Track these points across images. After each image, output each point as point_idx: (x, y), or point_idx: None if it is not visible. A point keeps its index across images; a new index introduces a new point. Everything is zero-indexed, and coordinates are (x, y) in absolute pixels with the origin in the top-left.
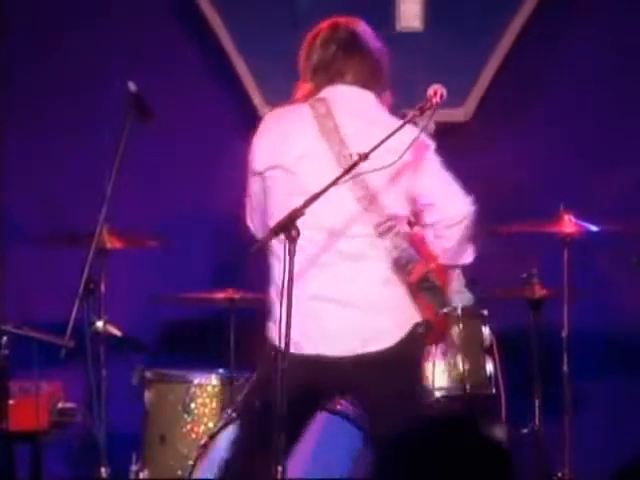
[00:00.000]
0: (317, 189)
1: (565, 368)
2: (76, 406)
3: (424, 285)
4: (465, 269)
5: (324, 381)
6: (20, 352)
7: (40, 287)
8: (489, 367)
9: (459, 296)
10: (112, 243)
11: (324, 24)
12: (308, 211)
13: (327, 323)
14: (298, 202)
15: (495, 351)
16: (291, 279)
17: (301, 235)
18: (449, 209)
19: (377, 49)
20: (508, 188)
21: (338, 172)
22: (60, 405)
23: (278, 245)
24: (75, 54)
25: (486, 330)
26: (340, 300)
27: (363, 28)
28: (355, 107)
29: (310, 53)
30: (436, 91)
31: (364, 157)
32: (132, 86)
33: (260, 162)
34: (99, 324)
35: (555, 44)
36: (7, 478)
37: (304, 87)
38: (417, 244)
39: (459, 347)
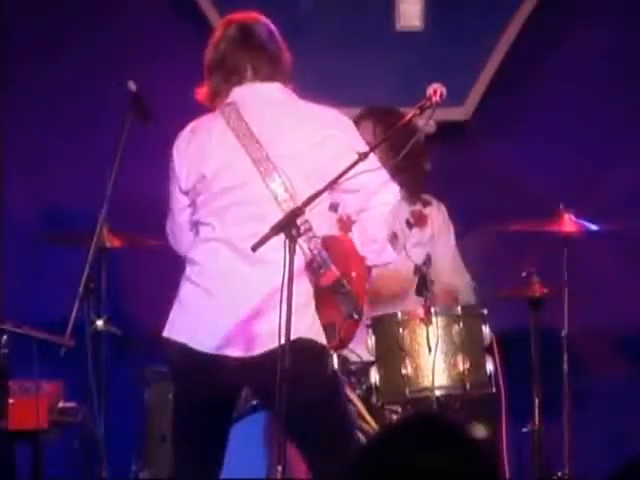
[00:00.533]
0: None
1: (565, 368)
2: (76, 405)
3: (337, 289)
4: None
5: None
6: (20, 351)
7: (40, 286)
8: (489, 366)
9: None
10: (112, 242)
11: (219, 23)
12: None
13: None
14: (232, 212)
15: (495, 350)
16: (291, 279)
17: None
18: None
19: (273, 41)
20: (508, 187)
21: (256, 176)
22: (60, 404)
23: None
24: (75, 53)
25: (486, 329)
26: None
27: (256, 22)
28: (262, 102)
29: (206, 54)
30: (436, 90)
31: (364, 156)
32: (132, 85)
33: (185, 181)
34: (99, 323)
35: (556, 43)
36: (7, 477)
37: (201, 90)
38: (344, 250)
39: (459, 346)
